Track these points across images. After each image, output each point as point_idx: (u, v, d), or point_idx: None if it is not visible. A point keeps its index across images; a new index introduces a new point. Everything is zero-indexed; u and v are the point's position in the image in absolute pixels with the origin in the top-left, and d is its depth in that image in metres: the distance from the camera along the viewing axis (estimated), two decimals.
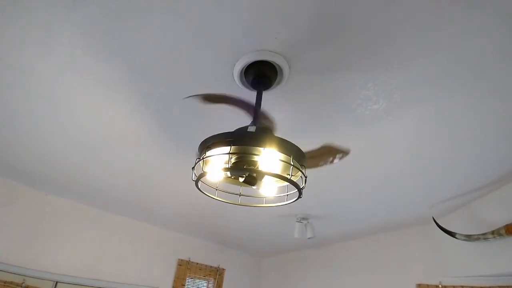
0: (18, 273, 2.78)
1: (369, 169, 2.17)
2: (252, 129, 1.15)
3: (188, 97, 1.52)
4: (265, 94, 1.45)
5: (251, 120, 1.29)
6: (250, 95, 1.49)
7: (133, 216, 3.69)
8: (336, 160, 1.83)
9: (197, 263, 4.16)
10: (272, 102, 1.56)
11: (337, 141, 1.85)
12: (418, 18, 1.12)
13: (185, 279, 3.97)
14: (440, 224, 2.68)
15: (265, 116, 1.60)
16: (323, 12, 1.12)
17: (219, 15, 1.16)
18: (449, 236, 2.57)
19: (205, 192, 1.27)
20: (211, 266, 4.28)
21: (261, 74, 1.35)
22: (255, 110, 1.31)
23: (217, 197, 1.33)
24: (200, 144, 1.14)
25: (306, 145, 1.77)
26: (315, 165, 1.68)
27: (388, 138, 1.82)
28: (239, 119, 1.61)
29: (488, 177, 2.16)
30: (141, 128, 1.91)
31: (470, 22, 1.12)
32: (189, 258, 4.10)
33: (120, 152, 2.23)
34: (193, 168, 1.18)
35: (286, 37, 1.23)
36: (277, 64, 1.33)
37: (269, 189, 1.31)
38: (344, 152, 1.80)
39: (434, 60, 1.29)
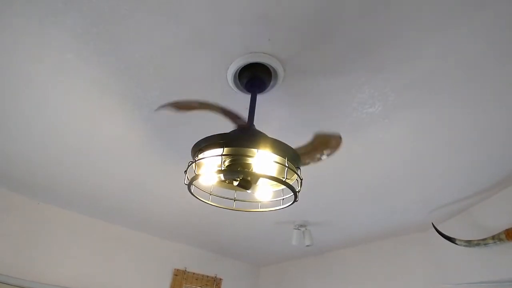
0: (6, 282, 2.71)
1: (366, 173, 2.14)
2: (245, 130, 1.13)
3: (158, 108, 1.51)
4: (260, 97, 1.43)
5: (243, 123, 1.27)
6: (244, 98, 1.47)
7: (128, 225, 3.63)
8: (324, 157, 1.79)
9: (194, 273, 4.08)
10: (267, 105, 1.54)
11: None
12: (413, 20, 1.11)
13: None
14: (439, 230, 2.65)
15: (238, 116, 1.57)
16: (317, 14, 1.11)
17: (212, 18, 1.15)
18: (449, 242, 2.53)
19: (198, 197, 1.24)
20: (208, 276, 4.20)
21: (255, 77, 1.34)
22: (250, 113, 1.29)
23: (211, 202, 1.30)
24: (193, 147, 1.12)
25: (297, 146, 1.75)
26: (304, 163, 1.64)
27: (385, 141, 1.80)
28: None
29: (487, 181, 2.14)
30: (135, 133, 1.88)
31: (466, 24, 1.11)
32: (186, 268, 4.03)
33: (113, 158, 2.20)
34: (185, 171, 1.15)
35: (280, 39, 1.22)
36: (271, 67, 1.32)
37: (264, 193, 1.28)
38: (335, 140, 1.74)
39: (430, 62, 1.28)
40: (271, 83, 1.39)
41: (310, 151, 1.66)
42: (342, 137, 1.74)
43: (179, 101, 1.51)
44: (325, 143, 1.75)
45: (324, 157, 1.79)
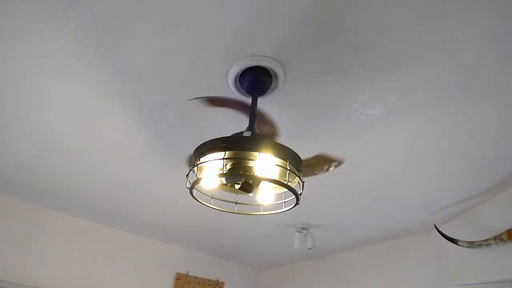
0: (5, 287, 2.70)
1: (367, 175, 2.14)
2: (247, 134, 1.13)
3: (192, 99, 1.50)
4: (261, 100, 1.43)
5: (247, 126, 1.27)
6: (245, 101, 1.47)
7: (129, 229, 3.62)
8: (331, 168, 1.81)
9: (196, 277, 4.06)
10: (268, 107, 1.54)
11: (335, 147, 1.83)
12: (413, 22, 1.11)
13: None
14: (442, 231, 2.64)
15: (267, 122, 1.58)
16: (317, 17, 1.12)
17: (212, 21, 1.15)
18: (451, 243, 2.53)
19: (200, 201, 1.24)
20: (210, 280, 4.18)
21: (256, 80, 1.34)
22: (250, 116, 1.29)
23: (213, 205, 1.30)
24: (194, 151, 1.12)
25: (303, 151, 1.74)
26: (311, 173, 1.66)
27: (386, 143, 1.80)
28: (236, 125, 1.58)
29: (488, 182, 2.14)
30: (135, 136, 1.88)
31: (466, 26, 1.12)
32: (188, 272, 4.01)
33: (114, 161, 2.19)
34: (187, 175, 1.15)
35: (280, 42, 1.22)
36: (272, 70, 1.32)
37: (266, 196, 1.28)
38: (339, 162, 1.78)
39: (430, 64, 1.28)
40: (272, 86, 1.39)
41: (316, 164, 1.67)
42: (344, 161, 1.77)
43: (213, 96, 1.49)
44: (326, 162, 1.77)
45: (332, 168, 1.81)
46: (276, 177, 1.11)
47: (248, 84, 1.35)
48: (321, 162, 1.79)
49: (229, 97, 1.47)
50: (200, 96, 1.49)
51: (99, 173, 2.35)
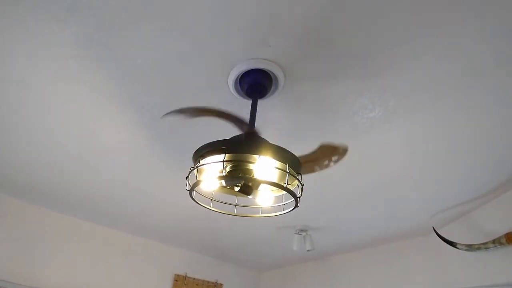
0: None
1: (367, 178, 2.14)
2: (248, 136, 1.13)
3: (167, 114, 1.51)
4: (261, 103, 1.44)
5: (247, 129, 1.27)
6: (245, 104, 1.47)
7: (128, 230, 3.62)
8: (332, 164, 1.80)
9: (194, 278, 4.06)
10: (268, 110, 1.55)
11: None
12: (413, 24, 1.12)
13: None
14: (440, 234, 2.64)
15: (244, 122, 1.58)
16: (317, 21, 1.12)
17: (213, 24, 1.16)
18: (450, 246, 2.53)
19: (200, 203, 1.24)
20: (208, 281, 4.18)
21: (256, 83, 1.35)
22: (250, 119, 1.29)
23: (212, 207, 1.30)
24: (194, 153, 1.12)
25: (302, 154, 1.75)
26: (311, 170, 1.65)
27: (385, 146, 1.81)
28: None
29: (487, 185, 2.15)
30: (135, 138, 1.89)
31: (466, 28, 1.12)
32: (186, 273, 4.01)
33: (114, 163, 2.20)
34: (187, 177, 1.16)
35: (280, 45, 1.23)
36: (272, 72, 1.33)
37: (265, 198, 1.29)
38: (343, 150, 1.75)
39: (430, 67, 1.29)
40: (272, 88, 1.39)
41: (317, 158, 1.66)
42: (348, 147, 1.75)
43: (185, 108, 1.51)
44: (331, 152, 1.75)
45: (332, 164, 1.80)
46: (276, 180, 1.12)
47: (248, 86, 1.35)
48: (327, 153, 1.77)
49: (206, 107, 1.48)
50: (172, 110, 1.49)
51: (99, 173, 2.35)
